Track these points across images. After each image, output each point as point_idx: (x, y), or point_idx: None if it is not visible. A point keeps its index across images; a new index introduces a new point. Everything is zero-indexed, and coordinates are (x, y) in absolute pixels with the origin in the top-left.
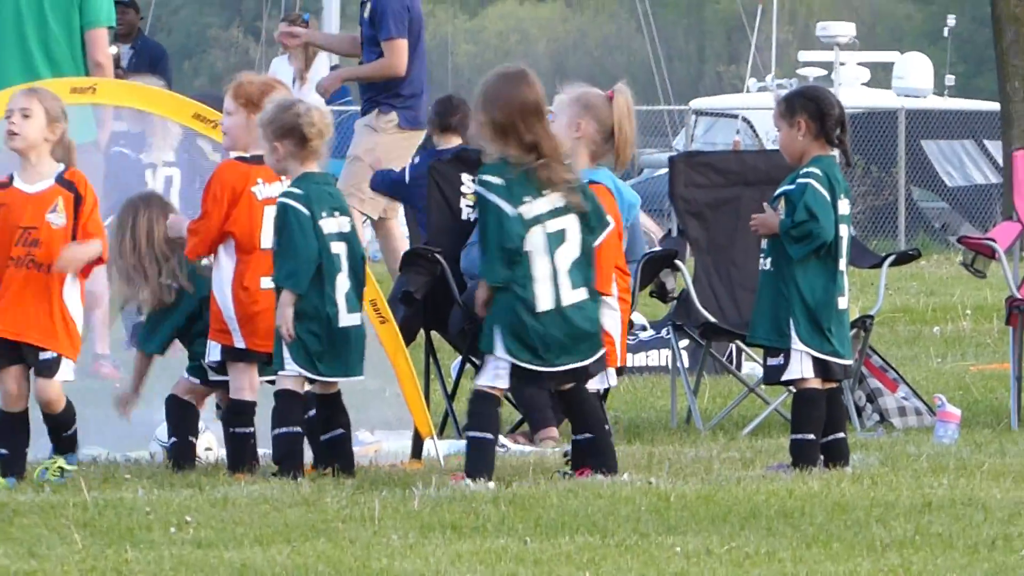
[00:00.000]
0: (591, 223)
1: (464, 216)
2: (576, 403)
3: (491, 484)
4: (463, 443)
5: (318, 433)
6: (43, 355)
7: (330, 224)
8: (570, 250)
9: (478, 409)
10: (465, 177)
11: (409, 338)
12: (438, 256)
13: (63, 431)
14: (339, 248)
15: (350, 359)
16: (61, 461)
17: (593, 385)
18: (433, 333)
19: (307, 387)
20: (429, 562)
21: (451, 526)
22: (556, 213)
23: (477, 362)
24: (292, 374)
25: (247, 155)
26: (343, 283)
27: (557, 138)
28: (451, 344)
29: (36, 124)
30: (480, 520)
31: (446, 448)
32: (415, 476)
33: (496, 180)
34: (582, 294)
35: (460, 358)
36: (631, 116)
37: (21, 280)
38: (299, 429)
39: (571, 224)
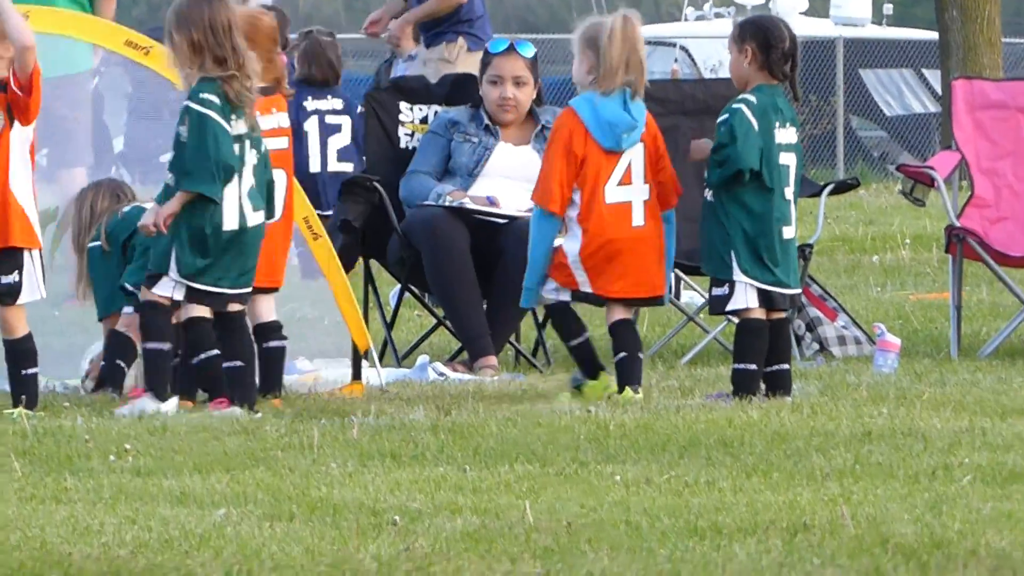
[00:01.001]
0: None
1: (403, 145)
2: None
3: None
4: (403, 371)
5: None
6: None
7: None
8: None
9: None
10: (403, 106)
11: (348, 266)
12: (376, 185)
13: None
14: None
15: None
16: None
17: None
18: (372, 262)
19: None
20: (368, 490)
21: (390, 454)
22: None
23: (416, 290)
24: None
25: None
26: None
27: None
28: (389, 272)
29: None
30: (419, 448)
31: (387, 375)
32: (354, 404)
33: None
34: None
35: (399, 286)
36: (625, 40)
37: None
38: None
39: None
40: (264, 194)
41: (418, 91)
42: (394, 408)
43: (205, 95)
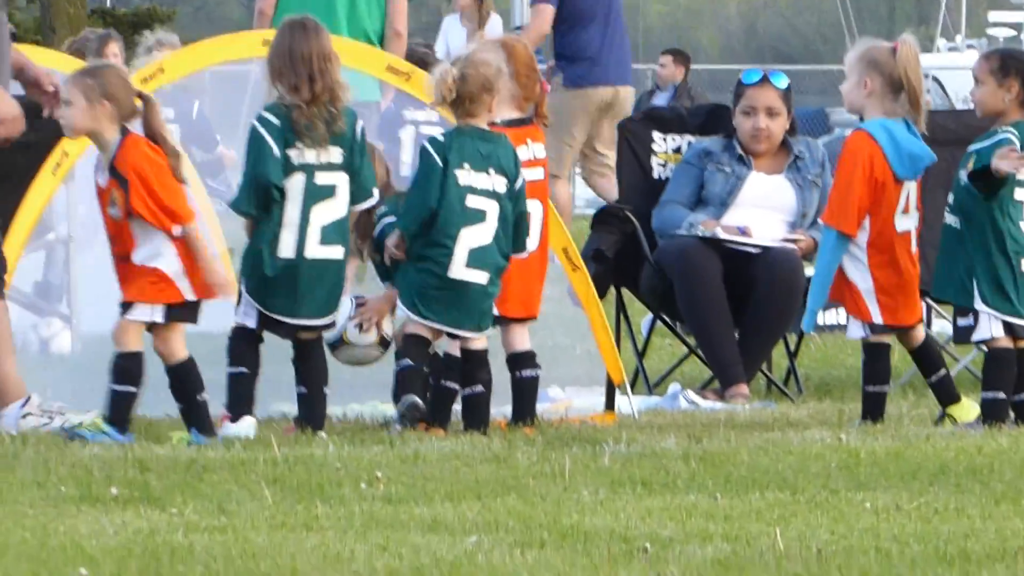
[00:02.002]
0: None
1: (655, 175)
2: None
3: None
4: (655, 399)
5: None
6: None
7: (472, 178)
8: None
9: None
10: (656, 135)
11: (600, 294)
12: (629, 214)
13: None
14: (480, 203)
15: (463, 312)
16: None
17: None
18: (624, 291)
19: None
20: (619, 517)
21: (641, 482)
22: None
23: (668, 319)
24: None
25: (495, 119)
26: (475, 237)
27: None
28: (641, 301)
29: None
30: (670, 476)
31: (639, 403)
32: (605, 432)
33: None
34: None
35: (651, 315)
36: (917, 65)
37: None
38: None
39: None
40: (336, 231)
41: (671, 121)
42: (645, 436)
43: (266, 115)
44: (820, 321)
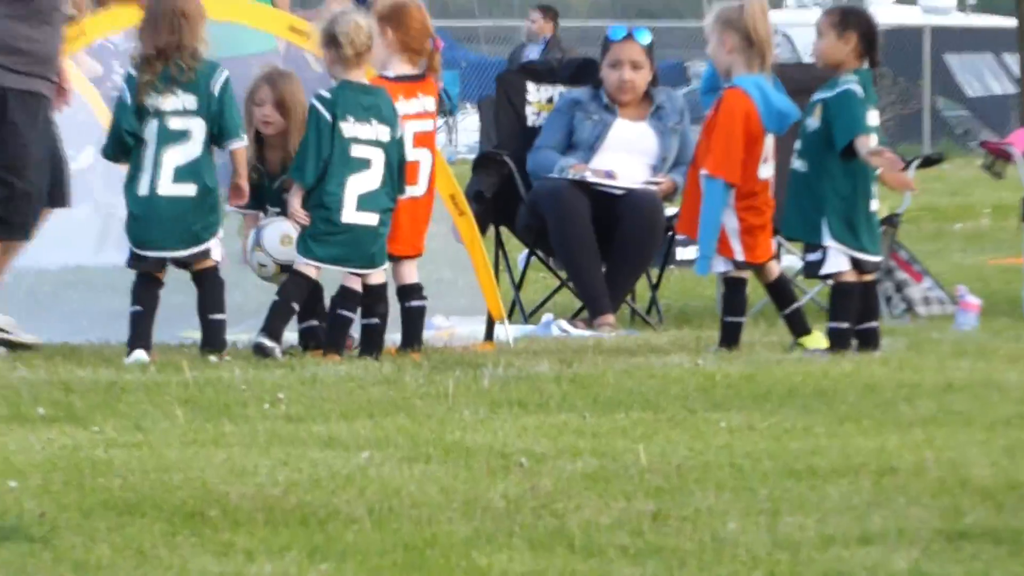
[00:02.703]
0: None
1: (530, 123)
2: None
3: None
4: (530, 328)
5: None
6: None
7: (356, 129)
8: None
9: None
10: (530, 86)
11: (481, 231)
12: (506, 159)
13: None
14: (365, 151)
15: (355, 251)
16: None
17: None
18: (502, 229)
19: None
20: (497, 435)
21: (517, 403)
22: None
23: (542, 255)
24: (306, 263)
25: (389, 74)
26: (362, 183)
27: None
28: (518, 238)
29: None
30: (544, 397)
31: (515, 332)
32: (485, 357)
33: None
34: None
35: (526, 251)
36: (765, 20)
37: None
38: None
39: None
40: (189, 171)
41: (544, 72)
42: (521, 361)
43: (130, 69)
44: (680, 256)
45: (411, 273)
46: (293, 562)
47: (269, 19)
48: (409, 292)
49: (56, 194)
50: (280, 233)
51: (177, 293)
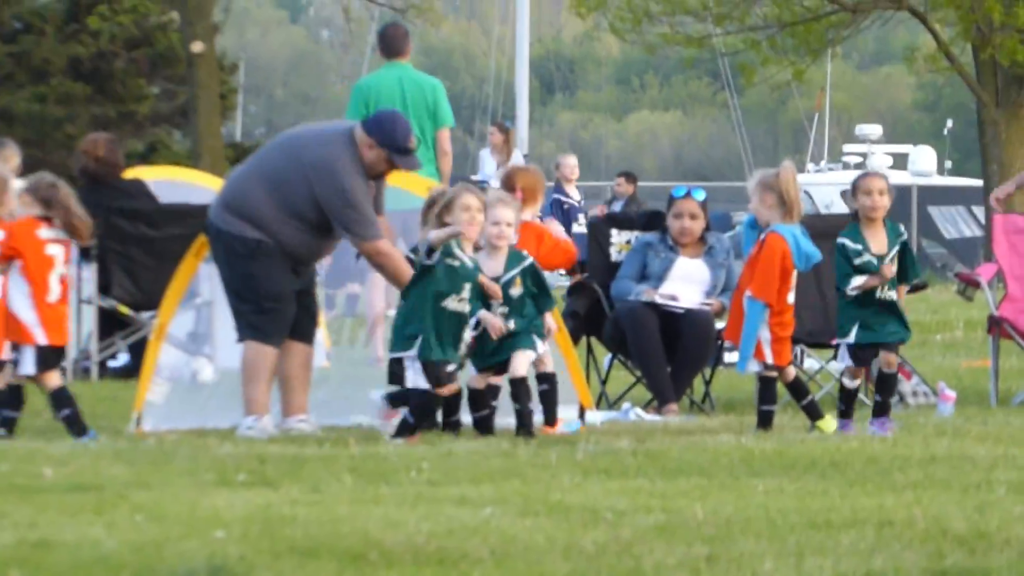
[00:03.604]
0: None
1: (613, 259)
2: None
3: None
4: (613, 414)
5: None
6: None
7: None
8: None
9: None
10: (613, 232)
11: (576, 341)
12: (595, 286)
13: None
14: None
15: None
16: None
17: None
18: (592, 339)
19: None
20: (588, 496)
21: (604, 471)
22: None
23: (622, 358)
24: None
25: None
26: None
27: None
28: (604, 346)
29: None
30: (623, 467)
31: (601, 417)
32: (579, 436)
33: None
34: None
35: (610, 355)
36: (795, 182)
37: None
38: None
39: None
40: None
41: (624, 221)
42: (607, 439)
43: None
44: (727, 359)
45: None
46: None
47: (414, 183)
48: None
49: None
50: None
51: (346, 386)
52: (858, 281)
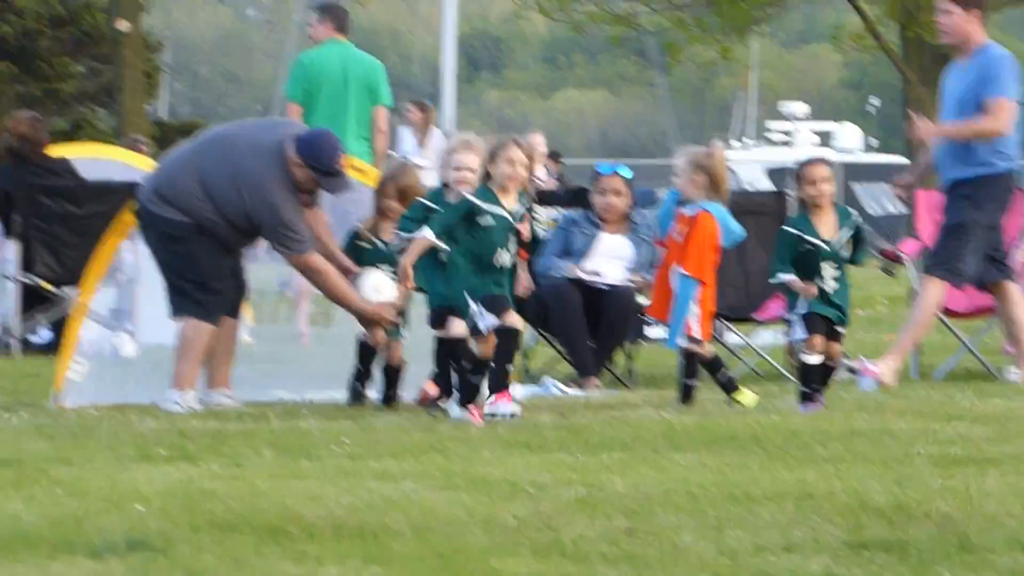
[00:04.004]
0: None
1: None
2: None
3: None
4: (535, 388)
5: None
6: None
7: None
8: None
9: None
10: (539, 208)
11: None
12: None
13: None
14: None
15: None
16: None
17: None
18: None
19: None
20: (509, 469)
21: (525, 445)
22: None
23: (545, 334)
24: None
25: None
26: None
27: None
28: (527, 321)
29: None
30: (545, 441)
31: (522, 392)
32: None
33: None
34: None
35: (534, 331)
36: (724, 163)
37: None
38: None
39: None
40: None
41: (549, 198)
42: (528, 413)
43: None
44: (649, 334)
45: None
46: (353, 566)
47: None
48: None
49: None
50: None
51: (267, 362)
52: (787, 277)
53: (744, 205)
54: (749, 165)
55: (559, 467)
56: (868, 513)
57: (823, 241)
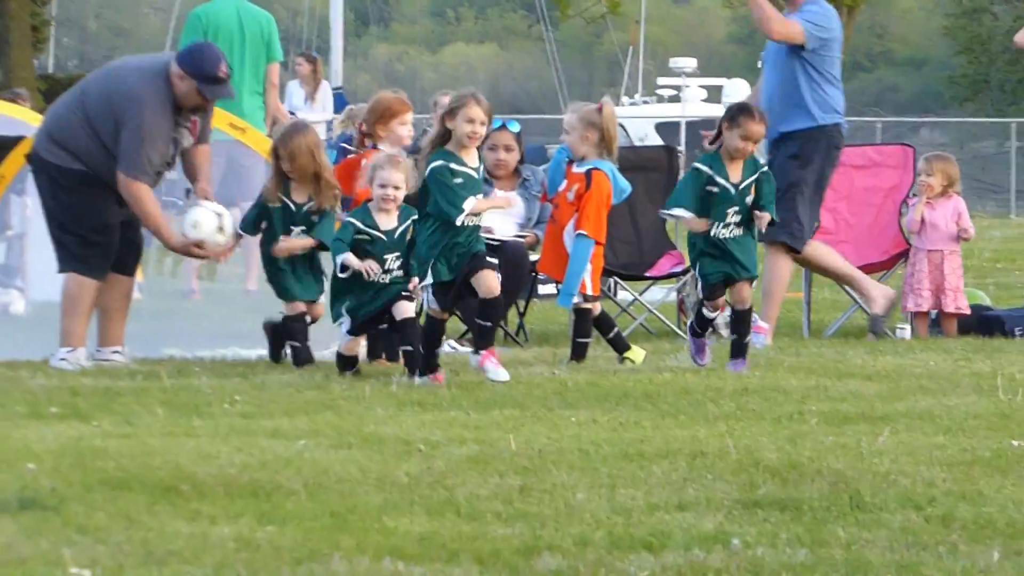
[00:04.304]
0: None
1: None
2: None
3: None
4: None
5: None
6: None
7: None
8: None
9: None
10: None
11: None
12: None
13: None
14: None
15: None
16: None
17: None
18: None
19: None
20: (402, 427)
21: (418, 403)
22: None
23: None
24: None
25: None
26: None
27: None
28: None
29: None
30: (437, 399)
31: None
32: (393, 369)
33: None
34: None
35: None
36: (615, 119)
37: None
38: None
39: None
40: None
41: None
42: None
43: None
44: (541, 291)
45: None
46: (246, 525)
47: (252, 140)
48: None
49: None
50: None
51: (158, 319)
52: (678, 212)
53: (634, 161)
54: (639, 121)
55: (452, 425)
56: (761, 471)
57: (731, 184)
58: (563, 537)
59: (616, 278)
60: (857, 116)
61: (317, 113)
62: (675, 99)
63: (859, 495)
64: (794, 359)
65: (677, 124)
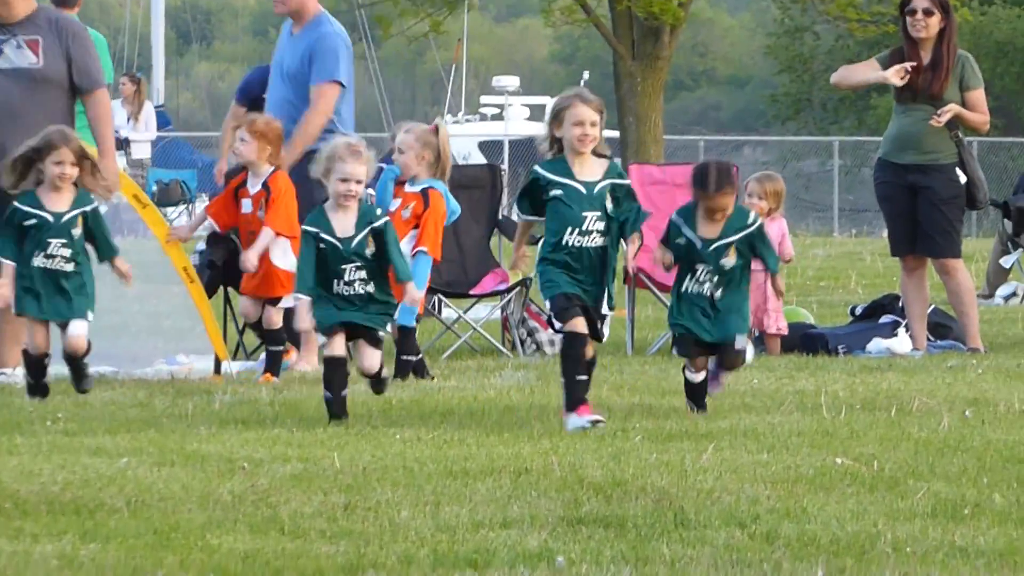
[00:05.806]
0: None
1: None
2: None
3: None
4: (251, 363)
5: None
6: None
7: None
8: None
9: None
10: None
11: (212, 291)
12: (232, 236)
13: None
14: None
15: None
16: None
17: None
18: (230, 288)
19: None
20: (225, 445)
21: (241, 421)
22: None
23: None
24: None
25: None
26: None
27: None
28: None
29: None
30: (261, 416)
31: (237, 367)
32: (216, 386)
33: None
34: None
35: None
36: (447, 141)
37: None
38: None
39: None
40: None
41: None
42: (244, 388)
43: None
44: None
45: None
46: (69, 543)
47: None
48: None
49: None
50: None
51: None
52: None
53: (457, 179)
54: (463, 139)
55: (276, 443)
56: (584, 488)
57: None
58: (387, 555)
59: (440, 295)
60: (679, 135)
61: (140, 133)
62: (498, 117)
63: (683, 512)
64: (617, 376)
65: (500, 142)
